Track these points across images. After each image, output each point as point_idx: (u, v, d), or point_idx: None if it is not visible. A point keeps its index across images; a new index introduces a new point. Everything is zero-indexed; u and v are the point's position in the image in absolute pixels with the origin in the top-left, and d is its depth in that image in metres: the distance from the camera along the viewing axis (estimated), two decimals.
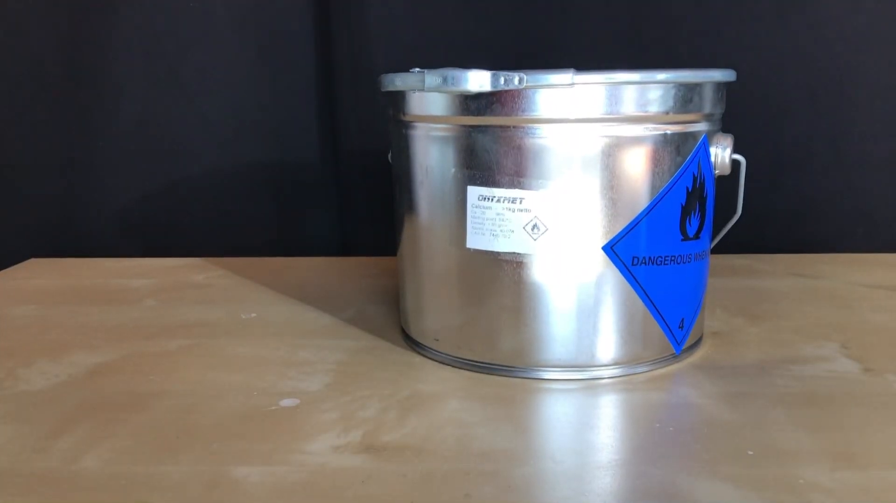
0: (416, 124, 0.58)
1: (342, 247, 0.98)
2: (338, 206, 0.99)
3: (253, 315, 0.73)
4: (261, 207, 1.00)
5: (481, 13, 0.92)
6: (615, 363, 0.57)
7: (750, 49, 0.90)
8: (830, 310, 0.72)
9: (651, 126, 0.54)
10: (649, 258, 0.56)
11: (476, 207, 0.55)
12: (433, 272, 0.60)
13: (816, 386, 0.56)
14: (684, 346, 0.60)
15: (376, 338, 0.67)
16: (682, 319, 0.59)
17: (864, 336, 0.65)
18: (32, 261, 0.96)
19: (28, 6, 0.94)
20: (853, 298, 0.76)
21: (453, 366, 0.60)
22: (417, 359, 0.62)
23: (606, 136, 0.53)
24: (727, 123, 0.61)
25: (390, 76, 0.57)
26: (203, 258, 0.96)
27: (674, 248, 0.57)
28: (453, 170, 0.56)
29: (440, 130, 0.57)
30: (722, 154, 0.58)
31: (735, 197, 0.62)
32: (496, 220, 0.55)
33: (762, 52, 0.90)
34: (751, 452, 0.46)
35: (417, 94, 0.57)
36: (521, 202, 0.54)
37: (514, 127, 0.54)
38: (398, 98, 0.59)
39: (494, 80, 0.52)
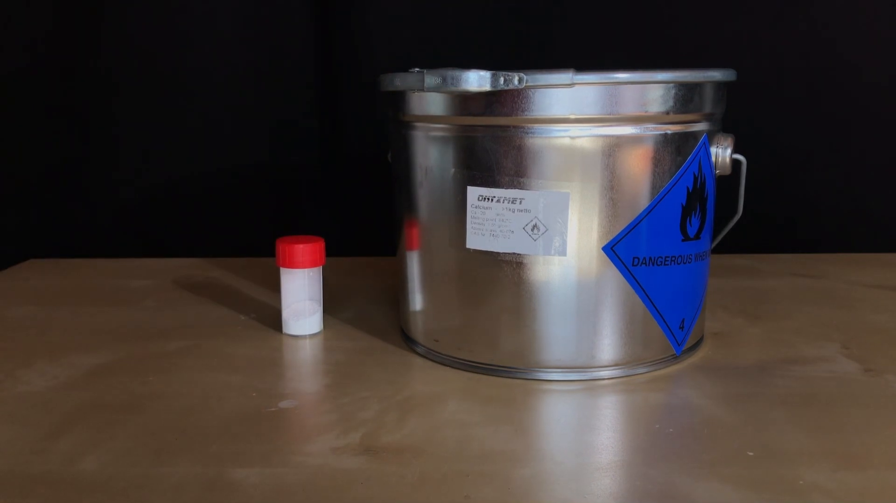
0: (415, 124, 0.58)
1: (342, 247, 0.98)
2: (337, 206, 0.99)
3: (252, 316, 0.73)
4: (261, 207, 1.00)
5: (481, 13, 0.92)
6: (615, 364, 0.57)
7: (750, 49, 0.90)
8: (830, 311, 0.72)
9: (651, 126, 0.54)
10: (650, 258, 0.56)
11: (476, 208, 0.55)
12: (433, 273, 0.60)
13: (817, 386, 0.56)
14: (685, 347, 0.60)
15: (376, 339, 0.66)
16: (683, 320, 0.59)
17: (865, 336, 0.65)
18: (32, 261, 0.96)
19: (28, 6, 0.94)
20: (853, 298, 0.76)
21: (453, 367, 0.60)
22: (417, 359, 0.62)
23: (606, 136, 0.53)
24: (727, 123, 0.61)
25: (390, 76, 0.57)
26: (203, 258, 0.95)
27: (674, 248, 0.57)
28: (453, 170, 0.56)
29: (440, 130, 0.56)
30: (722, 154, 0.58)
31: (736, 197, 0.61)
32: (496, 220, 0.55)
33: (762, 52, 0.90)
34: (751, 453, 0.46)
35: (417, 94, 0.57)
36: (520, 202, 0.54)
37: (513, 127, 0.53)
38: (398, 98, 0.59)
39: (494, 79, 0.52)
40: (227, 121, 0.97)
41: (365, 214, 0.99)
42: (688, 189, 0.56)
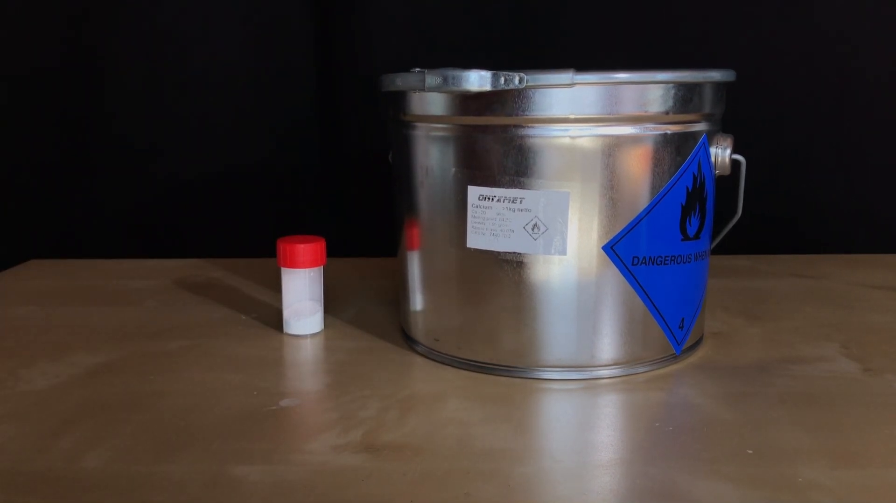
0: (416, 124, 0.58)
1: (342, 247, 0.98)
2: (338, 206, 0.99)
3: (253, 315, 0.73)
4: (261, 207, 1.00)
5: (481, 13, 0.92)
6: (615, 363, 0.57)
7: (750, 49, 0.90)
8: (830, 310, 0.72)
9: (651, 126, 0.54)
10: (649, 258, 0.56)
11: (476, 207, 0.55)
12: (433, 272, 0.60)
13: (816, 386, 0.56)
14: (684, 347, 0.60)
15: (376, 339, 0.67)
16: (683, 319, 0.59)
17: (864, 336, 0.66)
18: (33, 262, 0.96)
19: (28, 6, 0.94)
20: (853, 298, 0.76)
21: (453, 366, 0.60)
22: (418, 359, 0.62)
23: (606, 136, 0.53)
24: (727, 123, 0.61)
25: (390, 76, 0.58)
26: (203, 258, 0.96)
27: (674, 247, 0.57)
28: (454, 170, 0.56)
29: (440, 130, 0.57)
30: (722, 154, 0.58)
31: (735, 197, 0.62)
32: (496, 219, 0.55)
33: (762, 52, 0.90)
34: (750, 451, 0.46)
35: (418, 94, 0.57)
36: (521, 202, 0.54)
37: (514, 126, 0.54)
38: (398, 98, 0.59)
39: (495, 79, 0.52)
40: (227, 121, 0.97)
41: (365, 214, 0.99)
42: (687, 189, 0.56)
